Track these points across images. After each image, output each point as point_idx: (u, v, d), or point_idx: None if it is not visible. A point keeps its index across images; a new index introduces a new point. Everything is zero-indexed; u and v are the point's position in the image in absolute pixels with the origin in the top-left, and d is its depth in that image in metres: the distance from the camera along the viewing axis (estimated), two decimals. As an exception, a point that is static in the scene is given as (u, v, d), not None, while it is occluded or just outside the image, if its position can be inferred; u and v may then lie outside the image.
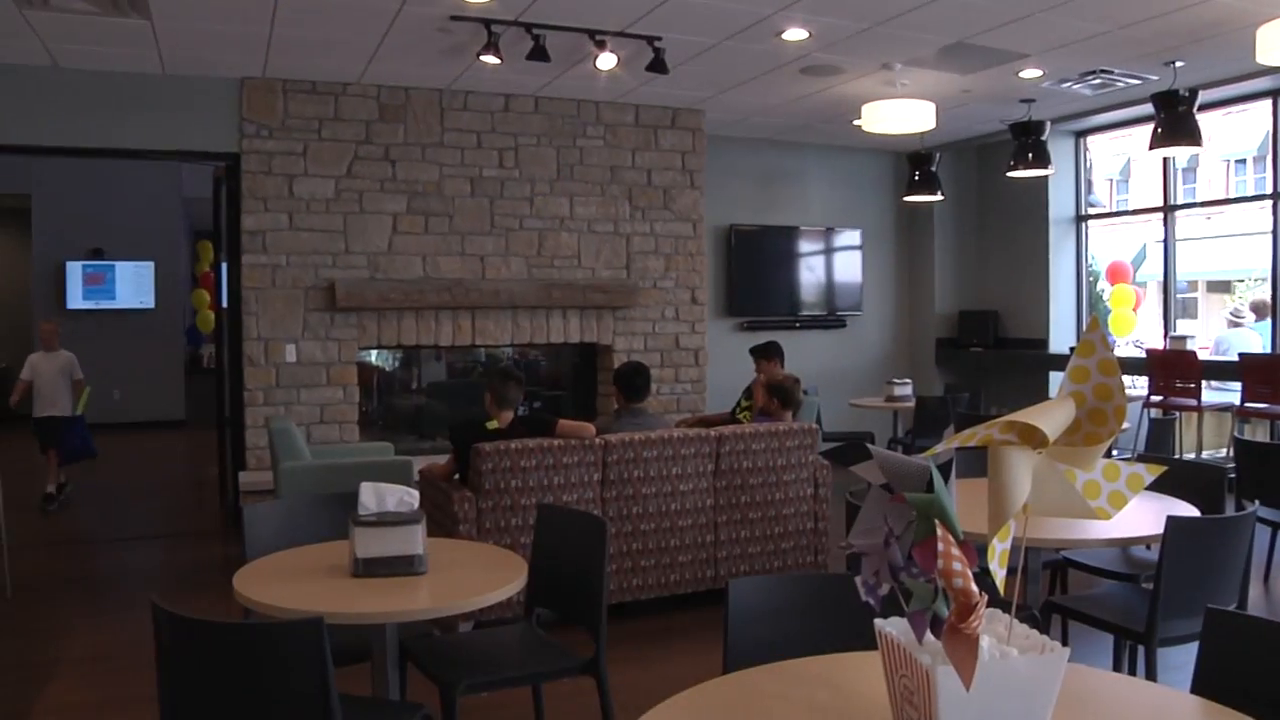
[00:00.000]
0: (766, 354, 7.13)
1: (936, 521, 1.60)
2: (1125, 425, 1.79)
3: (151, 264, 13.36)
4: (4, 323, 13.97)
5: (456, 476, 5.09)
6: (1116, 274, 10.04)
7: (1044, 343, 9.95)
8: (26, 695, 4.28)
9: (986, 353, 10.28)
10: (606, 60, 6.50)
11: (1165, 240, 9.19)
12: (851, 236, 10.35)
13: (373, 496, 3.06)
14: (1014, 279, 10.30)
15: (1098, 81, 7.52)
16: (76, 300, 13.01)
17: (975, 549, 1.62)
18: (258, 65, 7.02)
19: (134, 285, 13.21)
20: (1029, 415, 1.66)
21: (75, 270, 13.07)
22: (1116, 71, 7.25)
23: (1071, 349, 9.37)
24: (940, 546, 1.57)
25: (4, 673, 4.59)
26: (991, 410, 8.67)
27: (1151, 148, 7.30)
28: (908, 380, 8.85)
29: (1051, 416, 1.68)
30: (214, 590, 5.57)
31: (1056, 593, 4.57)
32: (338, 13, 5.93)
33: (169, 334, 13.64)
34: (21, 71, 6.85)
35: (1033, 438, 1.68)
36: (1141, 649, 3.38)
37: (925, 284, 10.71)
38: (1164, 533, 3.20)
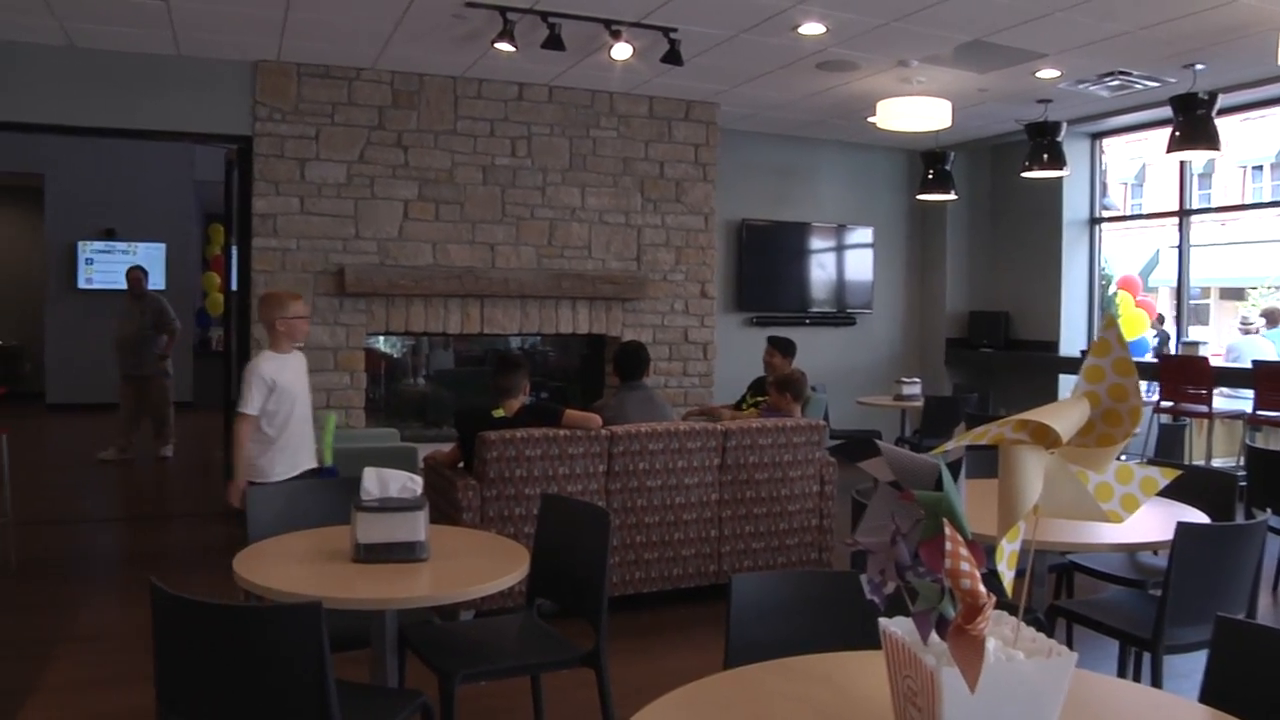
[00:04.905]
0: (786, 350, 7.12)
1: (945, 520, 1.57)
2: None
3: (163, 246, 13.37)
4: (16, 301, 13.99)
5: (461, 464, 5.08)
6: (1127, 287, 10.01)
7: (1054, 345, 9.90)
8: (29, 671, 4.28)
9: (996, 354, 10.23)
10: (621, 50, 6.47)
11: (1180, 245, 9.13)
12: (863, 234, 10.30)
13: (376, 482, 3.04)
14: (1026, 280, 10.24)
15: (1116, 83, 7.46)
16: (87, 281, 13.03)
17: (983, 549, 1.59)
18: (272, 48, 7.00)
19: (145, 266, 13.19)
20: (1042, 414, 1.63)
21: (87, 250, 13.08)
22: (1135, 73, 7.20)
23: (1083, 352, 9.33)
24: (948, 546, 1.55)
25: (7, 648, 4.61)
26: (1000, 411, 8.62)
27: (1169, 151, 7.25)
28: (916, 379, 8.81)
29: (1065, 416, 1.65)
30: (216, 571, 5.53)
31: (1062, 597, 4.54)
32: (353, -4, 5.92)
33: (179, 316, 13.59)
34: (37, 50, 6.84)
35: (1045, 437, 1.65)
36: (1147, 656, 3.35)
37: (936, 283, 10.66)
38: (1174, 539, 3.17)
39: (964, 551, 1.54)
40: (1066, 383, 9.64)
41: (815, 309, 10.11)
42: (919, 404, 8.40)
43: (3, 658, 4.50)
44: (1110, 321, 1.69)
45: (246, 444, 4.60)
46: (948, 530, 1.56)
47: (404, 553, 2.93)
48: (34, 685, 4.14)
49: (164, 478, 9.17)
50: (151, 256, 13.25)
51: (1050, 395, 9.49)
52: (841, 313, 10.24)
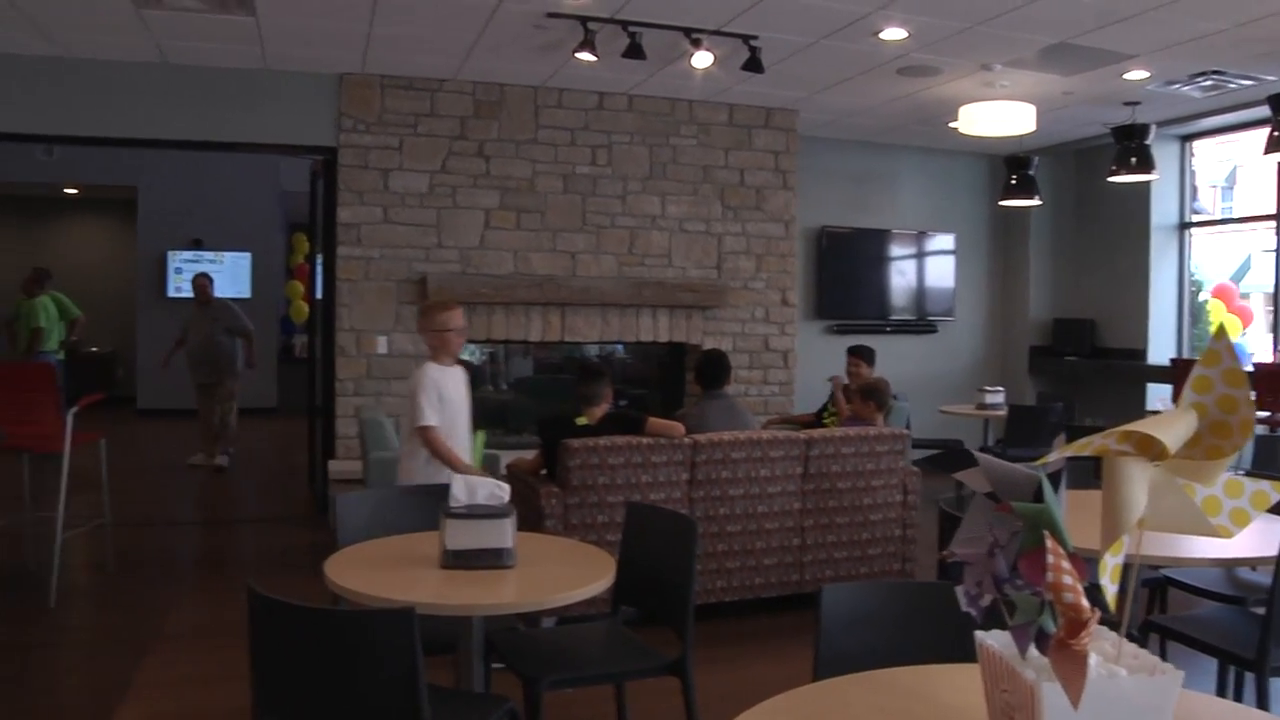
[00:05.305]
0: (870, 359, 7.11)
1: (1046, 533, 1.54)
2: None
3: (249, 255, 13.71)
4: (110, 309, 14.43)
5: (544, 472, 5.11)
6: (1220, 295, 9.72)
7: (1142, 353, 9.64)
8: (126, 667, 4.42)
9: (1082, 362, 10.00)
10: (702, 59, 6.47)
11: (1278, 249, 8.83)
12: (945, 240, 10.16)
13: (464, 489, 3.07)
14: (1112, 287, 10.00)
15: (1209, 83, 7.26)
16: (176, 289, 13.42)
17: (1085, 562, 1.56)
18: (357, 61, 7.14)
19: (232, 275, 13.55)
20: (1148, 425, 1.59)
21: (176, 260, 13.47)
22: (1230, 72, 6.99)
23: (1173, 360, 9.08)
24: (1049, 558, 1.52)
25: (107, 645, 4.78)
26: (1086, 421, 8.42)
27: (1267, 151, 7.02)
28: (1000, 388, 8.66)
29: (1172, 428, 1.61)
30: (302, 574, 5.66)
31: (1155, 612, 4.42)
32: (436, 9, 6.00)
33: (264, 323, 13.95)
34: (133, 68, 7.07)
35: (1150, 449, 1.61)
36: (1247, 676, 3.24)
37: (1020, 290, 10.47)
38: (1279, 555, 3.06)
39: (1066, 564, 1.51)
40: (1154, 392, 9.40)
41: (896, 316, 10.00)
42: (1002, 413, 8.25)
43: (103, 653, 4.67)
44: (1220, 332, 1.64)
45: (447, 446, 4.39)
46: (1049, 543, 1.53)
47: (492, 559, 2.95)
48: (132, 680, 4.27)
49: (250, 483, 9.37)
50: (238, 265, 13.60)
51: (1137, 404, 9.26)
52: (922, 320, 10.11)
